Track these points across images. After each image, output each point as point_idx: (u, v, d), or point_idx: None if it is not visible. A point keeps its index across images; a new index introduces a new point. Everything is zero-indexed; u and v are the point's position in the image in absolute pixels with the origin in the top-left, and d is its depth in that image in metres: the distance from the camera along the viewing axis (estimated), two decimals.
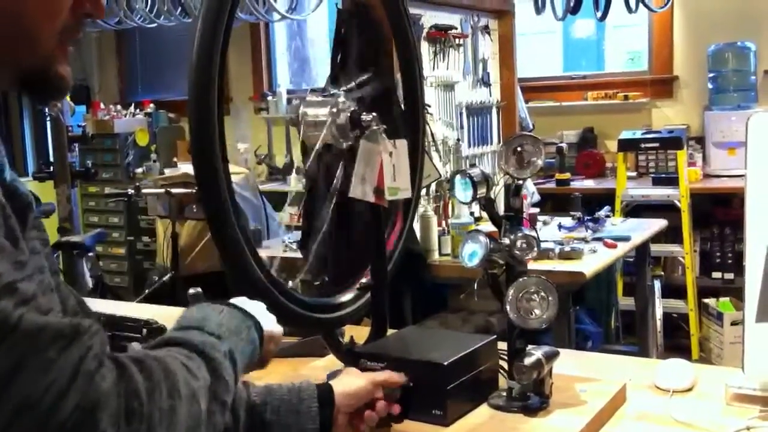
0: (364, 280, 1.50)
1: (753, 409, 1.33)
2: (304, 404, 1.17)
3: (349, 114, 1.36)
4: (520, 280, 1.27)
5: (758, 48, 4.84)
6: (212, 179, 1.17)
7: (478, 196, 1.31)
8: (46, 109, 4.79)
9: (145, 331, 1.65)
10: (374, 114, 1.38)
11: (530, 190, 3.95)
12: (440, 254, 3.19)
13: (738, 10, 4.92)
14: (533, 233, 1.27)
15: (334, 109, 1.36)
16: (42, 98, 0.85)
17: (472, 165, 1.55)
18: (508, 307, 1.27)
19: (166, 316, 1.86)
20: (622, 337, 4.41)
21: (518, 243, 1.26)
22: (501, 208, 1.36)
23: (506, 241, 1.27)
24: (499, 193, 1.35)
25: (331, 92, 1.39)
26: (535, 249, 1.27)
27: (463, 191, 1.28)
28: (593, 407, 1.30)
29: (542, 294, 1.25)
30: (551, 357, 1.30)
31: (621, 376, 1.46)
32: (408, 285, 3.17)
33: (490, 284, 1.33)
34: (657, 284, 4.11)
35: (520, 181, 1.30)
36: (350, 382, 1.22)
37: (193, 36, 1.15)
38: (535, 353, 1.28)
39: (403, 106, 1.69)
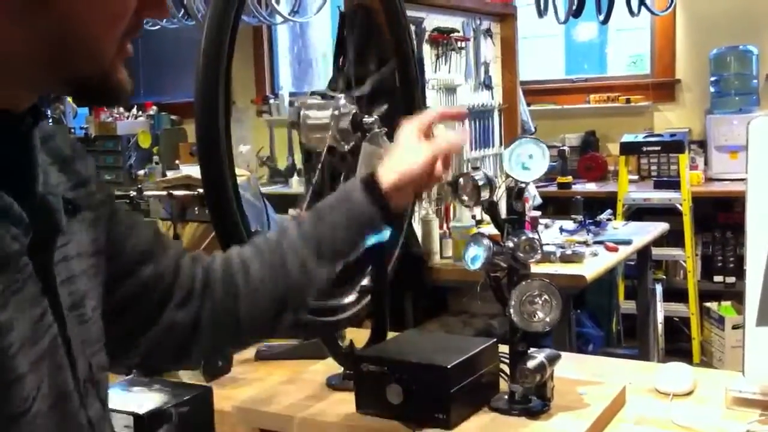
0: (364, 283, 1.50)
1: (753, 413, 1.33)
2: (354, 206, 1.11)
3: (350, 117, 1.37)
4: (524, 283, 1.27)
5: (760, 52, 4.84)
6: (219, 183, 1.17)
7: (481, 200, 1.31)
8: (48, 111, 4.79)
9: None
10: (376, 116, 1.38)
11: (532, 194, 3.95)
12: (441, 257, 3.19)
13: (740, 13, 4.93)
14: (536, 236, 1.27)
15: (336, 112, 1.36)
16: (98, 104, 0.82)
17: (475, 168, 1.55)
18: (511, 310, 1.27)
19: None
20: (624, 341, 4.41)
21: (521, 246, 1.26)
22: (503, 211, 1.36)
23: (509, 244, 1.27)
24: (501, 196, 1.35)
25: (332, 95, 1.40)
26: (539, 252, 1.27)
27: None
28: (594, 410, 1.30)
29: (545, 297, 1.25)
30: (553, 360, 1.30)
31: (621, 380, 1.46)
32: (409, 288, 3.17)
33: (493, 287, 1.33)
34: (658, 288, 4.11)
35: (523, 185, 1.30)
36: (400, 162, 1.14)
37: (199, 40, 1.15)
38: (538, 356, 1.28)
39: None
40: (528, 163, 1.27)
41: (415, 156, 1.14)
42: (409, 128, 1.18)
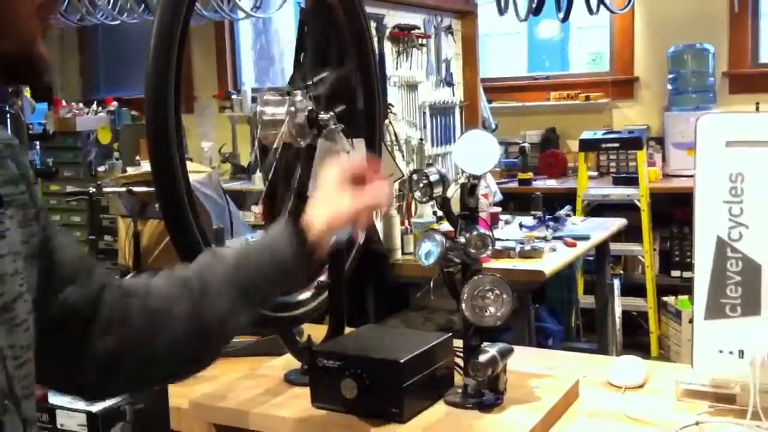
0: (321, 279, 1.51)
1: (702, 405, 1.36)
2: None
3: (306, 113, 1.37)
4: (475, 278, 1.28)
5: (716, 50, 4.93)
6: (169, 181, 1.17)
7: (434, 196, 1.32)
8: (7, 107, 4.71)
9: None
10: (332, 113, 1.38)
11: (492, 190, 3.98)
12: (403, 253, 3.20)
13: (697, 12, 5.01)
14: (488, 232, 1.29)
15: (292, 108, 1.36)
16: (20, 82, 0.80)
17: (429, 164, 1.56)
18: (463, 305, 1.28)
19: None
20: (583, 335, 4.47)
21: (473, 242, 1.27)
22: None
23: (461, 240, 1.28)
24: (456, 192, 1.36)
25: (289, 91, 1.40)
26: (490, 247, 1.28)
27: None
28: (546, 403, 1.32)
29: (497, 292, 1.27)
30: (506, 354, 1.32)
31: (575, 373, 1.48)
32: (371, 284, 3.18)
33: (447, 283, 1.34)
34: (617, 282, 4.16)
35: (476, 181, 1.31)
36: (326, 211, 1.11)
37: (149, 35, 1.15)
38: (490, 350, 1.30)
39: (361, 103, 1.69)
40: (478, 156, 1.28)
41: (340, 205, 1.12)
42: (334, 174, 1.15)
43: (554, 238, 3.27)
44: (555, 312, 4.27)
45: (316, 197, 1.14)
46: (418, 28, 3.80)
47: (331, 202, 1.12)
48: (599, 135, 4.76)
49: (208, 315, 1.01)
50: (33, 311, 0.81)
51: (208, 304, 1.01)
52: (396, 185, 3.38)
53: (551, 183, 5.02)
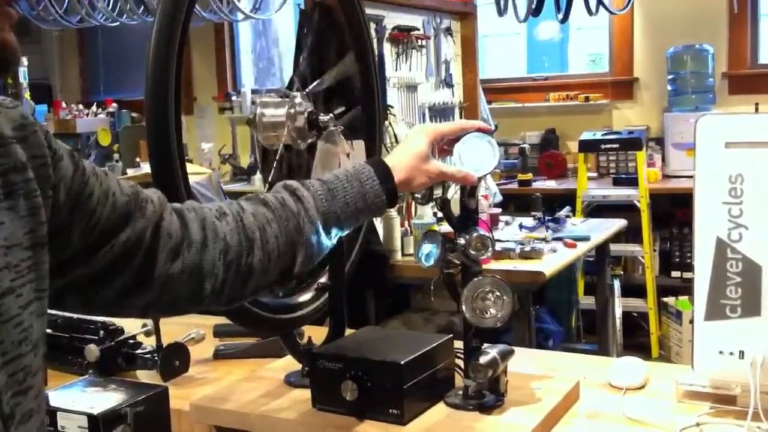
0: (322, 280, 1.51)
1: (703, 406, 1.36)
2: (366, 187, 1.17)
3: (306, 115, 1.37)
4: (475, 279, 1.28)
5: (716, 51, 4.93)
6: (169, 183, 1.17)
7: (434, 197, 1.32)
8: None
9: (102, 332, 1.64)
10: (331, 114, 1.39)
11: (492, 191, 3.98)
12: (403, 254, 3.20)
13: (696, 13, 5.01)
14: (488, 233, 1.29)
15: (292, 110, 1.36)
16: None
17: None
18: (463, 307, 1.28)
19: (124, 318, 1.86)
20: (583, 336, 4.47)
21: (473, 243, 1.27)
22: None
23: (461, 241, 1.28)
24: (455, 193, 1.36)
25: (288, 92, 1.40)
26: (490, 249, 1.28)
27: None
28: (547, 405, 1.32)
29: (497, 293, 1.27)
30: (506, 355, 1.32)
31: (576, 375, 1.48)
32: (371, 286, 3.18)
33: (447, 284, 1.34)
34: (617, 283, 4.16)
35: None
36: (410, 166, 1.22)
37: (149, 38, 1.15)
38: (491, 351, 1.29)
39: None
40: (478, 157, 1.28)
41: (426, 171, 1.22)
42: (425, 132, 1.25)
43: (554, 239, 3.27)
44: (555, 313, 4.27)
45: (407, 144, 1.25)
46: (418, 30, 3.81)
47: (417, 159, 1.22)
48: (599, 136, 4.76)
49: (302, 243, 1.09)
50: (33, 303, 0.79)
51: (304, 233, 1.09)
52: None
53: (551, 184, 5.02)
